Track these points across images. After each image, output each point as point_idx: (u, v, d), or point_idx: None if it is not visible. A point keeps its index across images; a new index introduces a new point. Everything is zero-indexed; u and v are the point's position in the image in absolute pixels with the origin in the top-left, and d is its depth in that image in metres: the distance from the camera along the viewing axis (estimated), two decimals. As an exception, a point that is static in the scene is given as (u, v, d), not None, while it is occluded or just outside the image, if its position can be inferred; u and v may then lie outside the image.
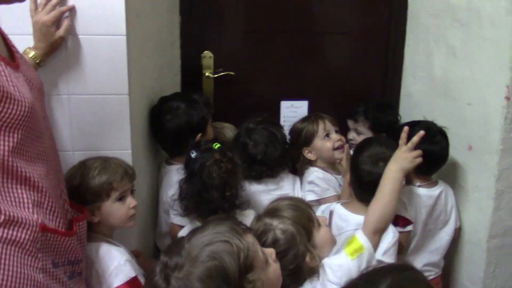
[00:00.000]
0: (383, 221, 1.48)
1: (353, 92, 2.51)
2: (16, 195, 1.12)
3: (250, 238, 1.21)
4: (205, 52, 2.38)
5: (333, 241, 1.51)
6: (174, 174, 1.87)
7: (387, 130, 2.22)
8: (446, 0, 2.11)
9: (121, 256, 1.51)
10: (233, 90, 2.42)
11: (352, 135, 2.33)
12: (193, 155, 1.70)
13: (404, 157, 1.54)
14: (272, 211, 1.48)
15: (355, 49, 2.54)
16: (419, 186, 1.98)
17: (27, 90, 1.17)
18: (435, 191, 1.99)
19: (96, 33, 1.59)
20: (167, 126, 1.95)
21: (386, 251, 1.52)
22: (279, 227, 1.41)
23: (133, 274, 1.51)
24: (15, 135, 1.10)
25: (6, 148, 1.08)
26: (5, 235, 1.06)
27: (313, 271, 1.41)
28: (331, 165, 2.12)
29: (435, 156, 1.95)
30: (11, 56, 1.21)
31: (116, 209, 1.55)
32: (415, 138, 1.63)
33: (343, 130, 2.26)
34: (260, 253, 1.21)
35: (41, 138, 1.22)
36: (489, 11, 1.87)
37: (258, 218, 1.49)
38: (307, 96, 2.51)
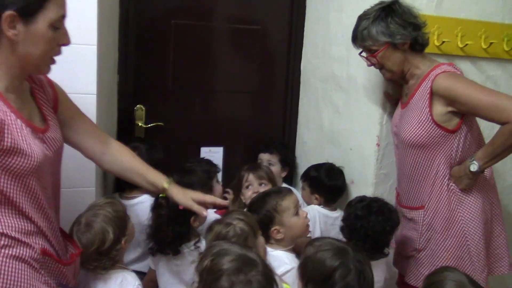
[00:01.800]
0: None
1: (258, 139, 2.99)
2: (24, 225, 1.40)
3: None
4: (138, 105, 2.75)
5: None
6: (145, 205, 2.13)
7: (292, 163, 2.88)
8: (331, 71, 2.69)
9: (134, 281, 1.76)
10: (160, 138, 2.76)
11: None
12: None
13: None
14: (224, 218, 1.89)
15: (260, 105, 3.06)
16: (322, 207, 2.50)
17: (40, 147, 1.40)
18: (334, 214, 2.52)
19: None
20: None
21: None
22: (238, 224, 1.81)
23: None
24: (27, 182, 1.37)
25: (23, 193, 1.37)
26: (17, 254, 1.36)
27: None
28: None
29: (337, 189, 2.52)
30: (44, 119, 1.50)
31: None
32: None
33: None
34: None
35: (46, 189, 1.47)
36: (363, 81, 2.44)
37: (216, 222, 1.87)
38: (222, 143, 2.97)
